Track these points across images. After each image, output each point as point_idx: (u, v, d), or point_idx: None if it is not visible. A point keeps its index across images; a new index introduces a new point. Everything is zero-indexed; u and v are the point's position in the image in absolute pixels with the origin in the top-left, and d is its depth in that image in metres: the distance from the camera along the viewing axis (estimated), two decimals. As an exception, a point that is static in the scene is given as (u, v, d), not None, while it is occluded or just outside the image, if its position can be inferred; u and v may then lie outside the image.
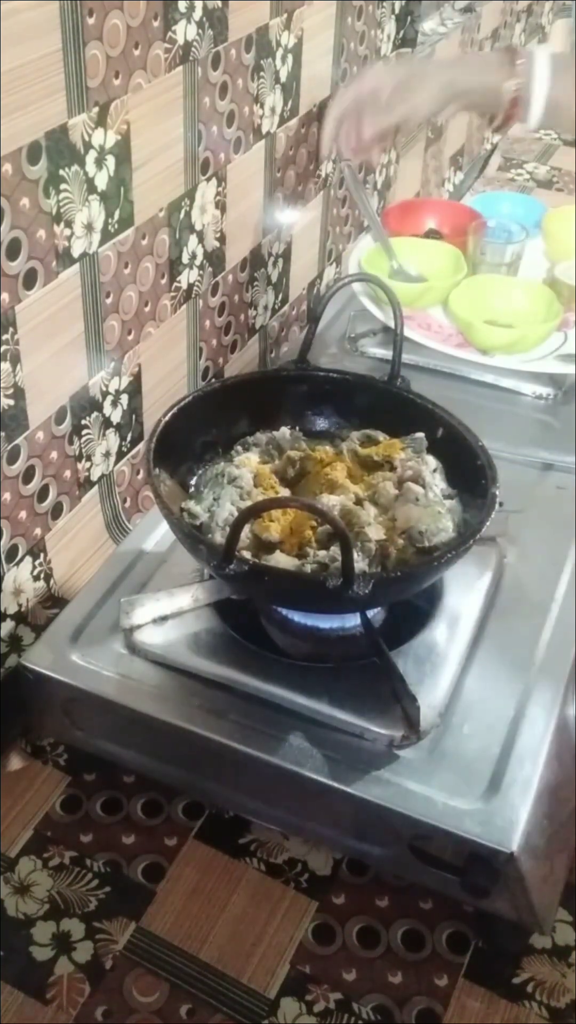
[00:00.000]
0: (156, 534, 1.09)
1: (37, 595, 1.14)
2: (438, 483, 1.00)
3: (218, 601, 1.00)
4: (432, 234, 1.50)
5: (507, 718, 0.91)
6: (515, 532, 1.08)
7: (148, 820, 1.09)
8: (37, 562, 1.12)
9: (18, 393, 1.00)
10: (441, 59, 1.76)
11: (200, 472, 1.03)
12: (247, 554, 0.92)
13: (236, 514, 0.93)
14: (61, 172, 0.96)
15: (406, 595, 0.96)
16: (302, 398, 1.09)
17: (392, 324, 1.09)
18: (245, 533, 0.93)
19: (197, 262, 1.26)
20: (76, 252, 1.02)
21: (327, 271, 1.70)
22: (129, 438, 1.24)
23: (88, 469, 1.17)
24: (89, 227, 1.03)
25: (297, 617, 0.97)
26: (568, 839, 0.95)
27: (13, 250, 0.93)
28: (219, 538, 0.92)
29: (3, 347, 0.96)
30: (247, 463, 1.02)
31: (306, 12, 1.33)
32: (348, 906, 1.02)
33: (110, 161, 1.03)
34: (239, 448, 1.06)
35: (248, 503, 0.96)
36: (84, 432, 1.13)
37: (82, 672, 0.96)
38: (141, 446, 1.26)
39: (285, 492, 1.01)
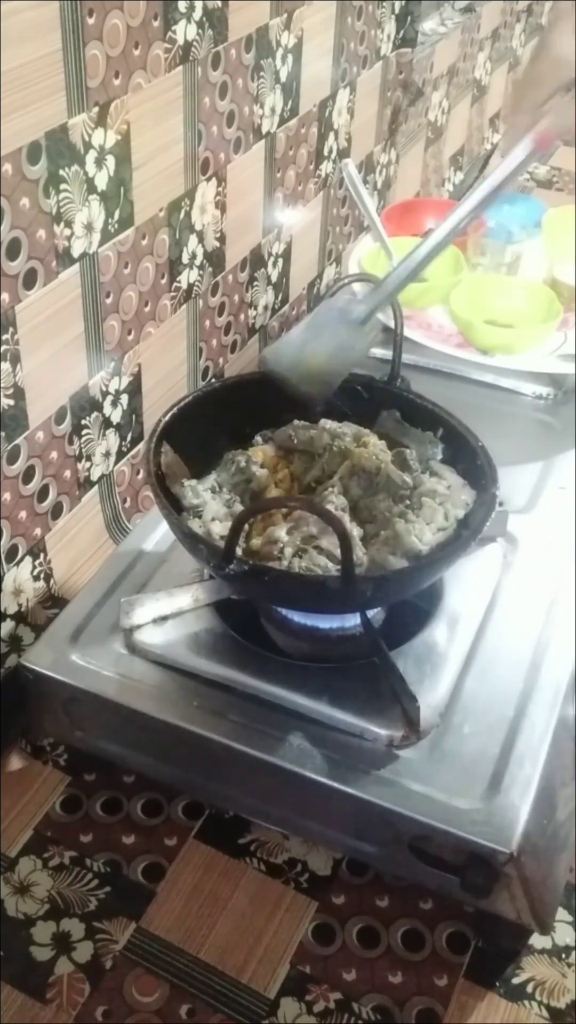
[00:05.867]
0: (156, 534, 1.09)
1: (37, 595, 1.14)
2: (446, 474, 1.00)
3: (218, 601, 1.00)
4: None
5: (507, 718, 0.91)
6: (515, 532, 1.08)
7: (148, 820, 1.09)
8: (37, 562, 1.12)
9: (18, 393, 1.00)
10: None
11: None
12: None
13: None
14: (61, 172, 0.96)
15: (406, 595, 0.96)
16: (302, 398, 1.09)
17: (392, 324, 1.09)
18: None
19: (197, 262, 1.26)
20: (76, 252, 1.02)
21: (327, 271, 1.69)
22: (129, 438, 1.24)
23: (88, 469, 1.17)
24: (89, 227, 1.03)
25: (297, 617, 0.97)
26: (568, 839, 0.95)
27: (13, 250, 0.93)
28: (218, 529, 0.92)
29: (3, 347, 0.96)
30: (260, 455, 1.01)
31: (306, 12, 1.33)
32: (348, 906, 1.02)
33: (110, 161, 1.03)
34: (258, 439, 1.05)
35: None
36: (84, 432, 1.13)
37: (82, 672, 0.96)
38: (141, 446, 1.26)
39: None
